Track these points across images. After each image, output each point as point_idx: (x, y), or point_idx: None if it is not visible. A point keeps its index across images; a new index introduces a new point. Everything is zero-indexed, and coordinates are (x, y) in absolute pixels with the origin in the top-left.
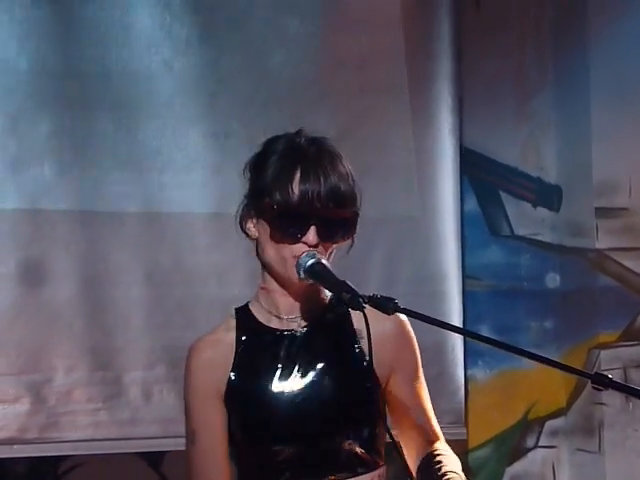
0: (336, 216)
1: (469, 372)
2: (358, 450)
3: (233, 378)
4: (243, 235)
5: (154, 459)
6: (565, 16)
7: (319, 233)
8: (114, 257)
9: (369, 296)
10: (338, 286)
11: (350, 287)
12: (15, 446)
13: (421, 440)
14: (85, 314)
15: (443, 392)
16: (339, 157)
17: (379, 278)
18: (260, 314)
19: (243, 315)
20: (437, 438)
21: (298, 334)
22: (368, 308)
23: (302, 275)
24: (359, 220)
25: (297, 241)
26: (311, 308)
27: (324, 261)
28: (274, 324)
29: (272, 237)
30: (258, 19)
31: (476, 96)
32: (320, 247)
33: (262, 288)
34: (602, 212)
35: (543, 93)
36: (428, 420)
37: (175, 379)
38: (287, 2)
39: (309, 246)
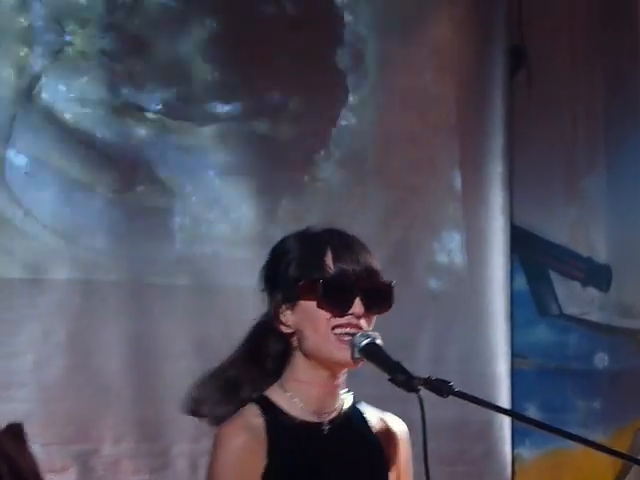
0: (376, 286)
1: (516, 451)
2: None
3: (269, 468)
4: None
5: None
6: (619, 100)
7: (364, 304)
8: (164, 329)
9: (424, 378)
10: (393, 367)
11: (405, 369)
12: None
13: None
14: (134, 385)
15: (489, 471)
16: (356, 237)
17: (428, 357)
18: (286, 405)
19: (264, 404)
20: None
21: (325, 429)
22: (370, 408)
23: (357, 355)
24: (409, 299)
25: (344, 313)
26: (338, 403)
27: (379, 341)
28: (302, 416)
29: (321, 307)
30: None
31: (527, 175)
32: (363, 321)
33: (293, 380)
34: None
35: (594, 174)
36: None
37: None
38: None
39: (356, 317)
